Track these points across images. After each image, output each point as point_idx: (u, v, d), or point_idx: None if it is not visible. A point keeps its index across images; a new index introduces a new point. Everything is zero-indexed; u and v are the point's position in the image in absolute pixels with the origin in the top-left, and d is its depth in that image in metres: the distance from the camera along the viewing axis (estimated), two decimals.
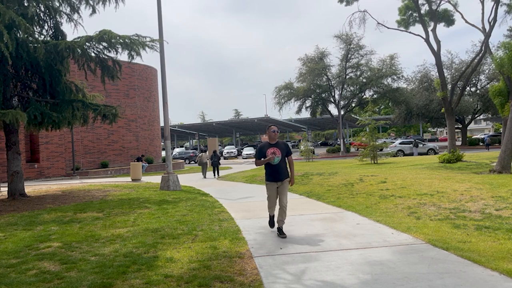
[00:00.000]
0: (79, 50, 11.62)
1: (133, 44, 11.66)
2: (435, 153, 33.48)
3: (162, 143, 35.52)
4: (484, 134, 55.40)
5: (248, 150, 51.24)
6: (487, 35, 20.67)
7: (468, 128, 51.51)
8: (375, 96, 43.01)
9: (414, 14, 23.21)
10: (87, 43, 11.79)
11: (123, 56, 12.27)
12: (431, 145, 38.56)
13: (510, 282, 3.88)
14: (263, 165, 6.33)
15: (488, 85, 38.01)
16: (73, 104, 12.61)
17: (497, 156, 14.46)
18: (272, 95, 46.18)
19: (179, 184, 14.43)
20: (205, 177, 20.59)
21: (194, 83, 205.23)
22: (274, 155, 6.11)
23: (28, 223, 8.11)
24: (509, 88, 17.13)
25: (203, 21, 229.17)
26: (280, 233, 6.17)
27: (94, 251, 5.64)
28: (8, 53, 9.72)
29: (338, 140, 49.08)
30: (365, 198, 9.72)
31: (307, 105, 44.54)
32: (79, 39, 11.78)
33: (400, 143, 37.34)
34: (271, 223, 6.53)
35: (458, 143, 45.26)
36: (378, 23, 23.92)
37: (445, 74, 31.57)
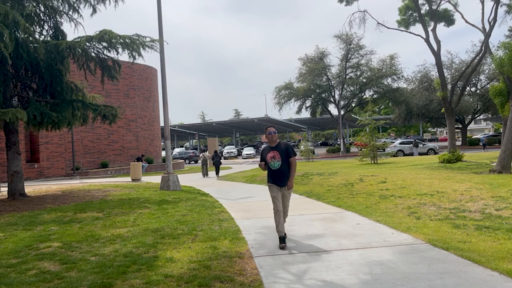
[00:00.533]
0: (79, 50, 11.63)
1: (133, 44, 11.67)
2: (435, 153, 33.49)
3: (162, 143, 35.52)
4: (484, 135, 55.42)
5: (248, 150, 51.26)
6: (487, 35, 20.67)
7: (468, 128, 51.52)
8: (375, 96, 43.02)
9: (414, 14, 23.20)
10: (87, 43, 11.80)
11: (123, 56, 12.28)
12: (431, 145, 38.55)
13: (510, 282, 3.88)
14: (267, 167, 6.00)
15: (488, 85, 38.02)
16: (73, 104, 12.62)
17: (497, 156, 14.46)
18: (272, 95, 46.23)
19: (179, 184, 14.43)
20: (204, 176, 21.21)
21: (194, 83, 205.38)
22: (273, 159, 5.72)
23: (28, 223, 8.11)
24: (509, 88, 17.13)
25: (203, 21, 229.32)
26: (280, 241, 5.60)
27: (94, 251, 5.64)
28: (8, 53, 9.72)
29: (338, 140, 49.10)
30: (365, 198, 9.72)
31: (307, 105, 44.55)
32: (79, 39, 11.79)
33: (400, 143, 37.34)
34: (282, 241, 5.54)
35: (458, 143, 45.25)
36: (378, 23, 23.93)
37: (445, 74, 31.57)
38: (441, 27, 30.12)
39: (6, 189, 13.06)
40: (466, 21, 22.12)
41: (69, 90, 13.16)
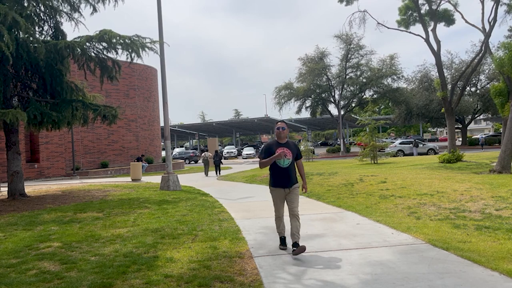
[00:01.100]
0: (79, 50, 11.63)
1: (133, 44, 11.67)
2: (435, 153, 33.48)
3: (162, 143, 35.52)
4: (483, 134, 55.45)
5: (248, 150, 51.28)
6: (487, 35, 20.67)
7: (468, 128, 51.54)
8: (375, 96, 43.02)
9: (414, 14, 23.20)
10: (87, 43, 11.80)
11: (123, 56, 12.28)
12: (431, 145, 38.55)
13: (510, 282, 3.88)
14: (269, 168, 5.41)
15: (488, 85, 38.02)
16: (73, 104, 12.62)
17: (497, 156, 14.45)
18: (272, 95, 46.22)
19: (179, 184, 14.43)
20: (207, 175, 21.91)
21: (194, 83, 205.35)
22: (284, 156, 5.23)
23: (28, 223, 8.11)
24: (509, 88, 17.13)
25: (203, 21, 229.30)
26: (281, 242, 5.45)
27: (94, 251, 5.64)
28: (9, 53, 9.72)
29: (338, 140, 49.10)
30: (365, 198, 9.72)
31: (307, 105, 44.55)
32: (79, 39, 11.79)
33: (400, 143, 37.34)
34: (283, 243, 5.44)
35: (458, 143, 45.29)
36: (378, 23, 23.92)
37: (445, 74, 31.58)
38: (441, 27, 30.15)
39: (6, 189, 13.06)
40: (466, 21, 22.13)
41: (69, 90, 13.16)
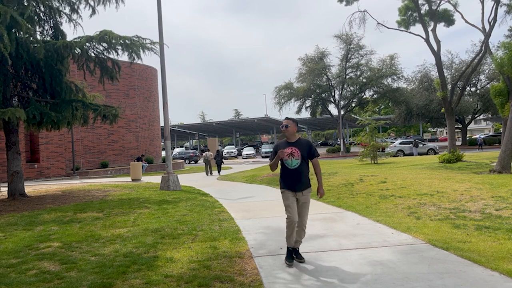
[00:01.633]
0: (78, 50, 11.63)
1: (133, 45, 11.68)
2: (435, 153, 33.48)
3: (162, 143, 35.52)
4: (484, 134, 55.46)
5: (248, 150, 51.29)
6: (487, 35, 20.67)
7: (468, 128, 51.56)
8: (375, 96, 43.01)
9: (414, 14, 23.20)
10: (87, 43, 11.80)
11: (123, 57, 12.29)
12: (431, 145, 38.55)
13: (510, 282, 3.88)
14: (280, 169, 5.00)
15: (488, 85, 38.02)
16: (72, 104, 12.62)
17: (497, 156, 14.45)
18: (272, 95, 46.21)
19: (179, 184, 14.43)
20: (207, 174, 22.54)
21: (194, 83, 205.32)
22: (291, 156, 4.78)
23: (28, 223, 8.11)
24: (509, 88, 17.13)
25: (203, 21, 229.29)
26: (298, 256, 4.86)
27: (94, 251, 5.64)
28: (7, 54, 9.72)
29: (338, 140, 49.09)
30: (365, 198, 9.71)
31: (307, 105, 44.55)
32: (79, 39, 11.80)
33: (400, 143, 37.35)
34: (290, 257, 4.79)
35: (458, 143, 45.29)
36: (378, 23, 23.92)
37: (445, 74, 31.58)
38: (441, 27, 30.14)
39: (6, 189, 13.07)
40: (466, 21, 22.13)
41: (69, 90, 13.17)
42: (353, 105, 44.92)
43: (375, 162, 22.84)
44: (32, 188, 15.95)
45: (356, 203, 8.97)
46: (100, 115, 13.09)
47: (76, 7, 12.86)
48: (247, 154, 49.67)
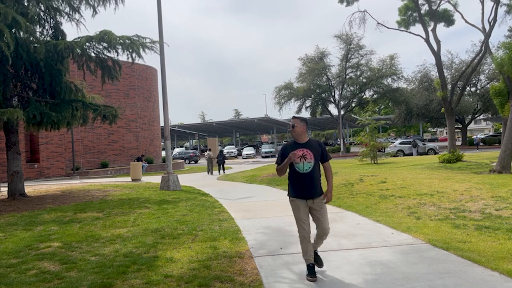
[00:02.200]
0: (79, 50, 11.63)
1: (133, 45, 11.67)
2: (435, 153, 33.49)
3: (162, 143, 35.52)
4: (482, 135, 55.51)
5: (248, 150, 51.31)
6: (487, 35, 20.67)
7: (468, 128, 51.56)
8: (375, 96, 43.03)
9: (414, 14, 23.21)
10: (87, 43, 11.80)
11: (123, 57, 12.29)
12: (431, 145, 38.56)
13: (510, 282, 3.88)
14: (287, 174, 4.44)
15: (488, 85, 38.03)
16: (72, 104, 12.62)
17: (497, 156, 14.46)
18: (272, 95, 46.22)
19: (179, 184, 14.43)
20: (208, 173, 23.27)
21: (194, 83, 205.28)
22: (303, 159, 4.24)
23: (28, 223, 8.11)
24: (509, 88, 17.14)
25: (203, 21, 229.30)
26: (318, 262, 4.45)
27: (94, 251, 5.64)
28: (9, 53, 9.72)
29: (338, 140, 49.09)
30: (365, 198, 9.71)
31: (307, 105, 44.55)
32: (79, 39, 11.80)
33: (400, 143, 37.35)
34: (311, 272, 4.21)
35: (458, 143, 45.30)
36: (378, 23, 23.93)
37: (445, 74, 31.58)
38: (441, 27, 30.13)
39: (6, 189, 13.07)
40: (466, 21, 22.14)
41: (69, 90, 13.16)
42: (353, 105, 44.93)
43: (375, 162, 22.85)
44: (32, 188, 15.95)
45: (356, 203, 8.97)
46: (100, 115, 13.09)
47: (76, 7, 12.86)
48: (247, 154, 49.67)
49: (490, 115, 47.60)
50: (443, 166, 17.32)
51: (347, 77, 41.75)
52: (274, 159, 42.07)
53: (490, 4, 20.52)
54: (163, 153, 31.37)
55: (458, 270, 4.29)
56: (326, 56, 42.09)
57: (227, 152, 51.23)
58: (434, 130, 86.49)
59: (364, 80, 41.35)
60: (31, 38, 11.42)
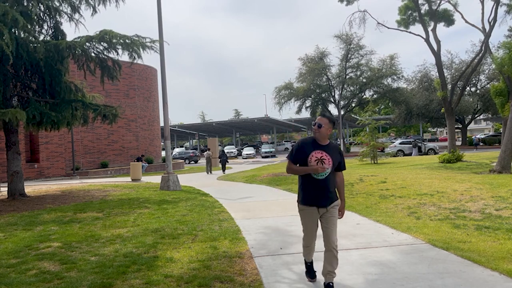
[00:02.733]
0: (79, 50, 11.63)
1: (133, 44, 11.67)
2: (435, 153, 33.49)
3: (162, 143, 35.52)
4: (482, 135, 55.52)
5: (248, 150, 51.34)
6: (487, 35, 20.67)
7: (468, 128, 51.56)
8: (375, 96, 43.01)
9: (414, 14, 23.21)
10: (87, 43, 11.80)
11: (123, 56, 12.29)
12: (431, 145, 38.58)
13: (510, 282, 3.88)
14: (298, 176, 4.02)
15: (488, 85, 38.04)
16: (72, 104, 12.62)
17: (497, 156, 14.46)
18: (272, 95, 46.20)
19: (179, 184, 14.43)
20: (208, 173, 23.49)
21: (194, 83, 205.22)
22: (321, 163, 3.78)
23: (28, 223, 8.11)
24: (509, 88, 17.14)
25: (203, 21, 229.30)
26: (309, 272, 4.18)
27: (94, 251, 5.64)
28: (9, 52, 9.72)
29: (338, 140, 49.07)
30: (365, 198, 9.71)
31: (307, 105, 44.53)
32: (79, 39, 11.79)
33: (400, 143, 37.36)
34: (310, 272, 4.17)
35: (458, 143, 45.30)
36: (378, 23, 23.95)
37: (445, 74, 31.57)
38: (441, 27, 30.14)
39: (6, 189, 13.06)
40: (466, 21, 22.14)
41: (69, 90, 13.15)
42: (353, 105, 44.91)
43: (375, 162, 22.85)
44: (32, 188, 15.95)
45: (356, 203, 8.97)
46: (100, 115, 13.09)
47: (77, 6, 12.86)
48: (247, 154, 49.67)
49: (490, 115, 47.61)
50: (443, 166, 17.33)
51: (347, 77, 41.73)
52: (274, 159, 42.33)
53: (490, 4, 20.57)
54: (163, 153, 31.37)
55: (458, 270, 4.29)
56: (326, 56, 42.07)
57: (227, 152, 51.23)
58: (434, 130, 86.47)
59: (364, 80, 41.34)
60: (31, 38, 11.42)
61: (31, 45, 11.23)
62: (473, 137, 46.56)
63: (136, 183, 17.97)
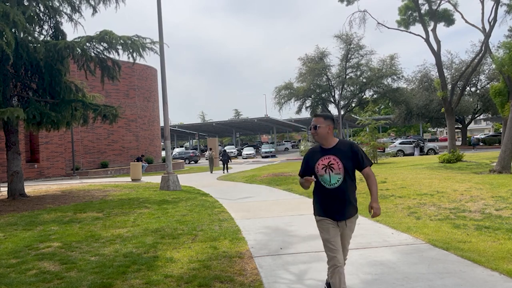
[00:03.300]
0: (79, 50, 11.63)
1: (134, 45, 11.67)
2: (435, 153, 33.50)
3: (162, 143, 35.51)
4: (484, 135, 55.54)
5: (248, 150, 51.34)
6: (487, 35, 20.67)
7: (468, 128, 51.56)
8: (375, 96, 43.04)
9: (414, 14, 23.22)
10: (87, 43, 11.80)
11: (123, 56, 12.29)
12: (431, 145, 38.58)
13: (510, 282, 3.88)
14: (313, 187, 3.57)
15: (488, 85, 38.04)
16: (72, 104, 12.62)
17: (497, 156, 14.46)
18: (272, 95, 46.24)
19: (179, 184, 14.43)
20: (211, 172, 23.93)
21: (194, 83, 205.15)
22: (330, 170, 3.33)
23: (28, 223, 8.10)
24: (509, 88, 17.14)
25: (203, 21, 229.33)
26: None
27: (94, 251, 5.64)
28: (9, 52, 9.71)
29: None
30: (365, 198, 9.70)
31: (307, 105, 44.55)
32: (79, 39, 11.79)
33: (400, 143, 37.35)
34: None
35: (458, 143, 45.31)
36: (378, 23, 23.94)
37: (445, 74, 31.55)
38: (441, 27, 30.15)
39: (6, 189, 13.06)
40: (466, 21, 22.14)
41: (69, 90, 13.15)
42: (353, 105, 44.93)
43: (375, 162, 22.85)
44: (32, 188, 15.95)
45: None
46: (100, 115, 13.08)
47: (77, 6, 12.86)
48: (247, 154, 49.67)
49: (490, 115, 47.63)
50: (443, 166, 17.33)
51: (347, 77, 41.75)
52: (274, 159, 42.33)
53: (490, 4, 20.56)
54: (163, 153, 31.36)
55: (458, 270, 4.29)
56: (326, 56, 42.10)
57: (228, 152, 51.25)
58: (434, 130, 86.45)
59: (364, 80, 41.36)
60: (29, 38, 11.41)
61: (31, 45, 11.23)
62: (471, 137, 46.59)
63: (136, 183, 17.97)
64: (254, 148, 55.13)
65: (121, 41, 11.66)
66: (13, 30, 10.66)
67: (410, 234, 5.92)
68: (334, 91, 43.14)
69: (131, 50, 11.71)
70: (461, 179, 11.56)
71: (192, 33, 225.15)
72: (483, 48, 21.57)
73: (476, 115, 46.96)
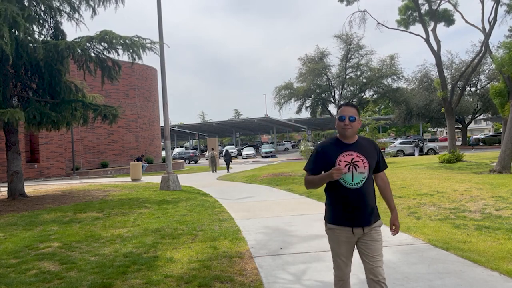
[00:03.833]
0: (79, 50, 11.62)
1: (134, 45, 11.66)
2: (435, 153, 33.48)
3: (162, 143, 35.51)
4: (483, 135, 55.53)
5: (248, 150, 51.33)
6: (487, 35, 20.66)
7: (468, 128, 51.55)
8: (375, 96, 43.05)
9: (414, 14, 23.20)
10: (87, 44, 11.79)
11: (123, 57, 12.29)
12: (431, 145, 38.57)
13: (510, 282, 3.88)
14: (324, 187, 3.01)
15: (488, 85, 38.03)
16: (72, 104, 12.61)
17: (497, 156, 14.46)
18: (272, 95, 46.29)
19: (179, 184, 14.43)
20: (213, 172, 24.37)
21: (194, 83, 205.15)
22: (354, 167, 2.86)
23: (28, 223, 8.10)
24: (509, 88, 17.12)
25: (203, 21, 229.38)
26: None
27: (94, 251, 5.64)
28: (9, 52, 9.71)
29: None
30: None
31: (307, 105, 44.59)
32: (79, 39, 11.79)
33: (400, 143, 37.34)
34: None
35: (458, 143, 45.30)
36: (378, 23, 23.93)
37: (445, 74, 31.53)
38: (441, 27, 30.13)
39: (6, 189, 13.06)
40: (466, 21, 22.12)
41: (69, 90, 13.15)
42: None
43: None
44: (32, 188, 15.94)
45: None
46: (100, 115, 13.08)
47: (77, 6, 12.85)
48: (247, 154, 49.65)
49: (490, 115, 47.61)
50: (443, 166, 17.33)
51: (347, 77, 41.77)
52: (274, 159, 42.29)
53: (490, 4, 20.57)
54: (163, 153, 31.33)
55: (458, 270, 4.29)
56: (326, 56, 42.13)
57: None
58: (434, 130, 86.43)
59: (364, 80, 41.38)
60: (29, 38, 11.41)
61: (31, 45, 11.23)
62: (470, 137, 46.65)
63: (136, 183, 17.96)
64: (254, 148, 55.11)
65: (121, 41, 11.65)
66: (13, 30, 10.66)
67: (410, 234, 5.92)
68: (334, 91, 43.16)
69: (131, 51, 11.70)
70: (461, 179, 11.56)
71: (192, 33, 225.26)
72: (483, 48, 21.56)
73: (476, 115, 46.94)
